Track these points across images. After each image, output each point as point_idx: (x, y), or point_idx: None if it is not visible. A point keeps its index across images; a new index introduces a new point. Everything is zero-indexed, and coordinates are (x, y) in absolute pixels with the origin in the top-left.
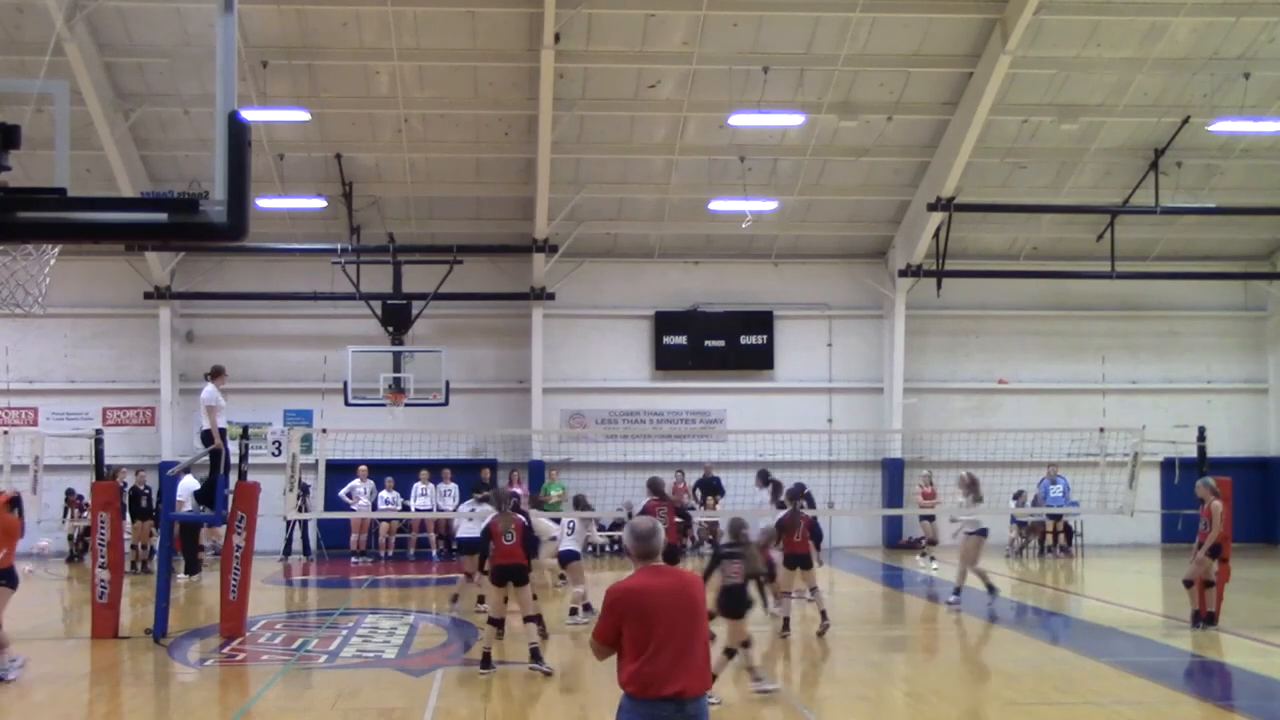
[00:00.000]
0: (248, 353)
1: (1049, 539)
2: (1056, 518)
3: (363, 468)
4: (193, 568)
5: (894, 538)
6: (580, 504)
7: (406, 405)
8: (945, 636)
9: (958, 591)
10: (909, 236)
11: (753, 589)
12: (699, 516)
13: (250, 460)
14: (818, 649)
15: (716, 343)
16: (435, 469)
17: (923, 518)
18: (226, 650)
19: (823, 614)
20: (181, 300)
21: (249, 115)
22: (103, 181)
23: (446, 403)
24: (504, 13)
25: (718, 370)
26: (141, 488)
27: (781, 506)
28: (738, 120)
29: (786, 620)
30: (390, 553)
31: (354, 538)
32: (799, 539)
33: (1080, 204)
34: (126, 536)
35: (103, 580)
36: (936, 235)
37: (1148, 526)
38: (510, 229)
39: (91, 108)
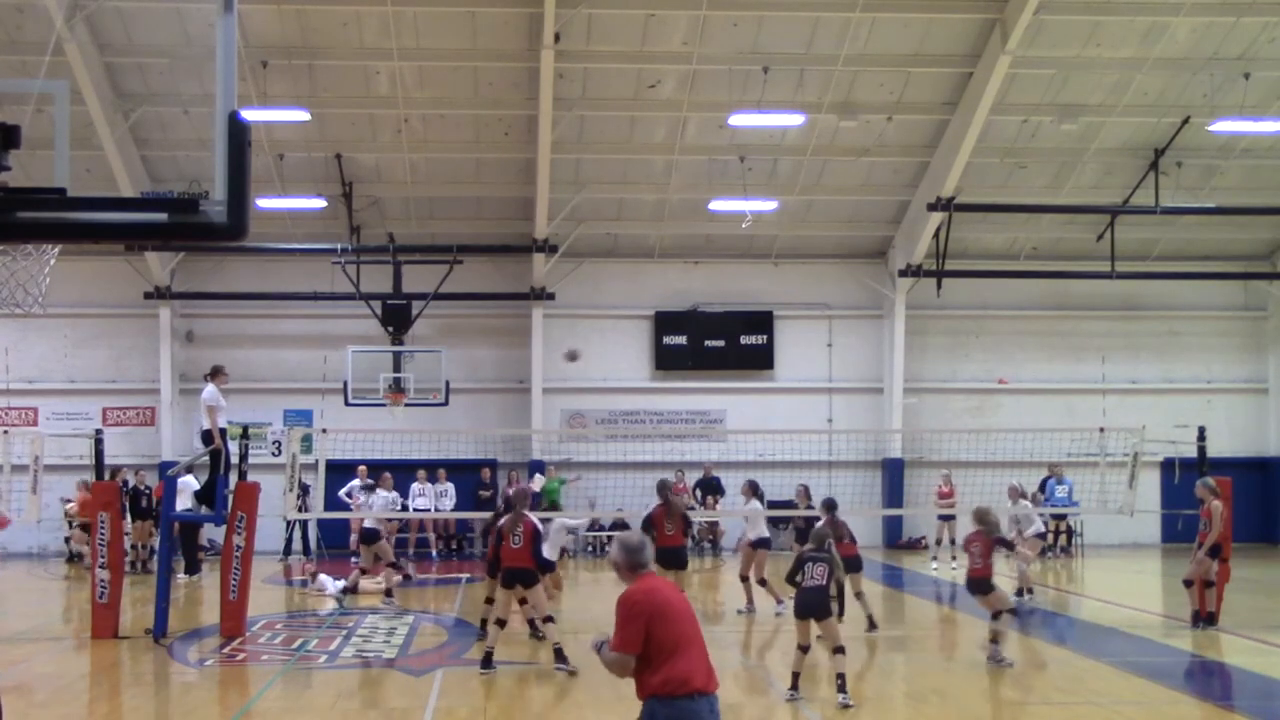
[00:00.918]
0: (248, 353)
1: (1049, 539)
2: (1060, 518)
3: (362, 468)
4: (193, 568)
5: (894, 538)
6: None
7: (406, 405)
8: (946, 637)
9: (1024, 593)
10: (909, 236)
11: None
12: (699, 517)
13: (250, 460)
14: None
15: (716, 343)
16: (433, 469)
17: (941, 517)
18: (226, 650)
19: (869, 617)
20: (181, 300)
21: (249, 115)
22: (103, 181)
23: (446, 403)
24: (504, 13)
25: (718, 370)
26: (141, 488)
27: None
28: (738, 120)
29: (872, 618)
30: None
31: (354, 538)
32: (849, 542)
33: (1080, 204)
34: (126, 535)
35: (103, 580)
36: (936, 235)
37: (1148, 526)
38: (510, 229)
39: (91, 108)
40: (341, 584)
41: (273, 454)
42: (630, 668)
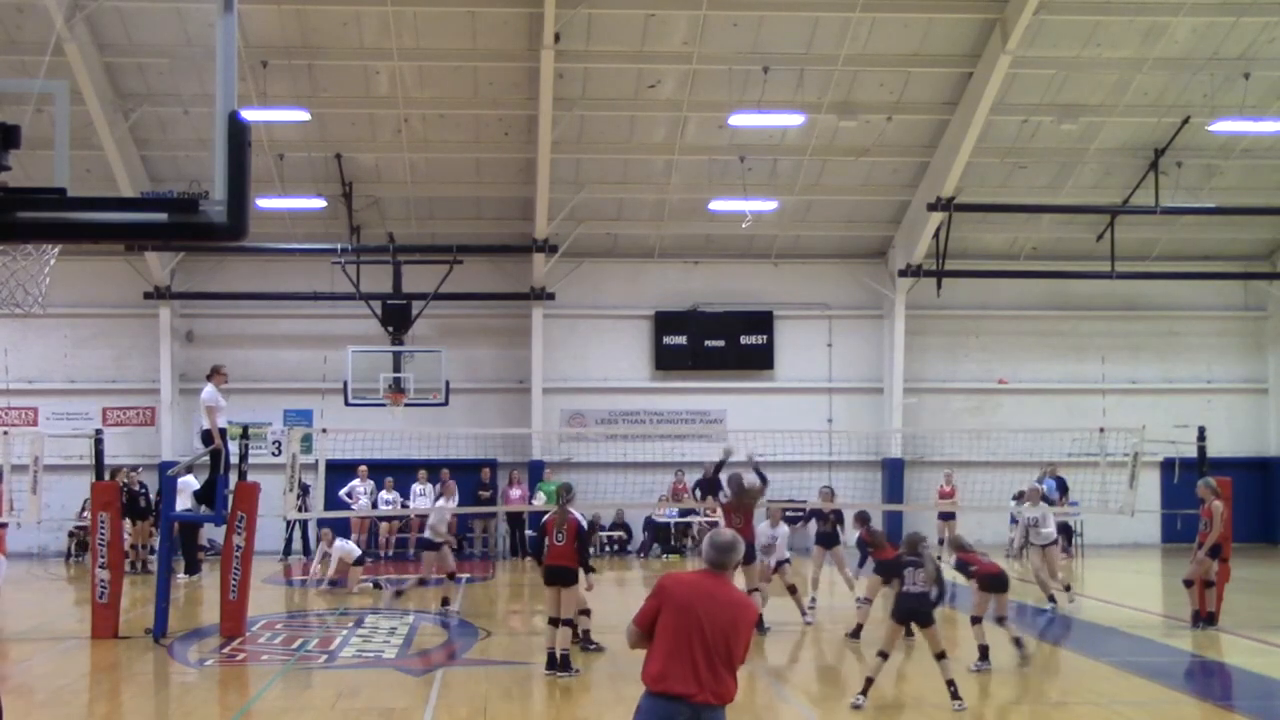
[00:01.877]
0: (247, 353)
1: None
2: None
3: (363, 468)
4: (193, 568)
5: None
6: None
7: (406, 405)
8: (945, 637)
9: (1055, 598)
10: (909, 236)
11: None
12: (698, 517)
13: (250, 460)
14: (819, 649)
15: (716, 343)
16: (434, 469)
17: (942, 515)
18: (226, 650)
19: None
20: (181, 300)
21: (249, 115)
22: (103, 181)
23: (446, 403)
24: (504, 13)
25: (718, 370)
26: (136, 487)
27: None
28: (738, 120)
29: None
30: (390, 552)
31: (354, 538)
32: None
33: (1080, 204)
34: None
35: (102, 580)
36: (936, 235)
37: (1148, 526)
38: (510, 229)
39: (91, 108)
40: (395, 585)
41: (273, 454)
42: (635, 640)
